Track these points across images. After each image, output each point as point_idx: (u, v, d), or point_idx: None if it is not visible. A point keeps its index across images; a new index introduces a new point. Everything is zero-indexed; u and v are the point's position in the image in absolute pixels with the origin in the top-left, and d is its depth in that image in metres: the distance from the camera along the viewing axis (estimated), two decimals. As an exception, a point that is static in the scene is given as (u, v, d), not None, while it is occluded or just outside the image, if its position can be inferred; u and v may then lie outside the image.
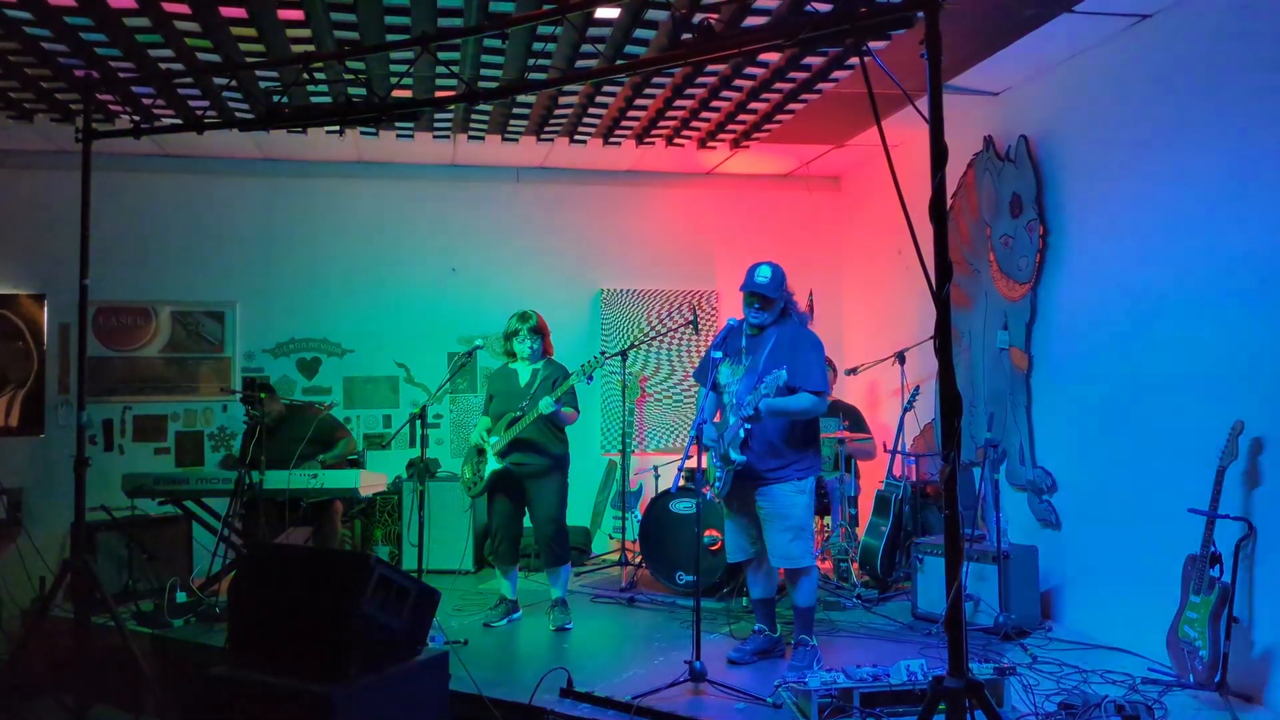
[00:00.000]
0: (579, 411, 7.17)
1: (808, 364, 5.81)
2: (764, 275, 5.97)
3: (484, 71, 7.12)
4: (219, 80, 7.30)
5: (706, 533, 7.52)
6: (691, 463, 6.04)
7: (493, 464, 7.01)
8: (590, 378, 6.88)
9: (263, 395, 7.90)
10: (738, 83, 7.57)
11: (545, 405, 6.78)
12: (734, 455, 5.76)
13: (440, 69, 6.98)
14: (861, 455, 8.89)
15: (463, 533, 8.89)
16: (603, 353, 7.27)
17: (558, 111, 8.24)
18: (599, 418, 10.30)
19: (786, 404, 5.72)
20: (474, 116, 8.43)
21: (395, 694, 4.59)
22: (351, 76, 7.05)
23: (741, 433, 5.74)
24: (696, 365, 6.08)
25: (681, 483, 7.89)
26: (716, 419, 6.15)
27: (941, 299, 3.43)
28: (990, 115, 7.88)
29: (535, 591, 7.99)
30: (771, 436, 5.88)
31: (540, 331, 7.20)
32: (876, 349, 9.38)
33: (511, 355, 7.28)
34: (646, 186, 10.59)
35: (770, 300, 5.96)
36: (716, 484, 5.99)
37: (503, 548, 7.17)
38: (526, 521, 7.24)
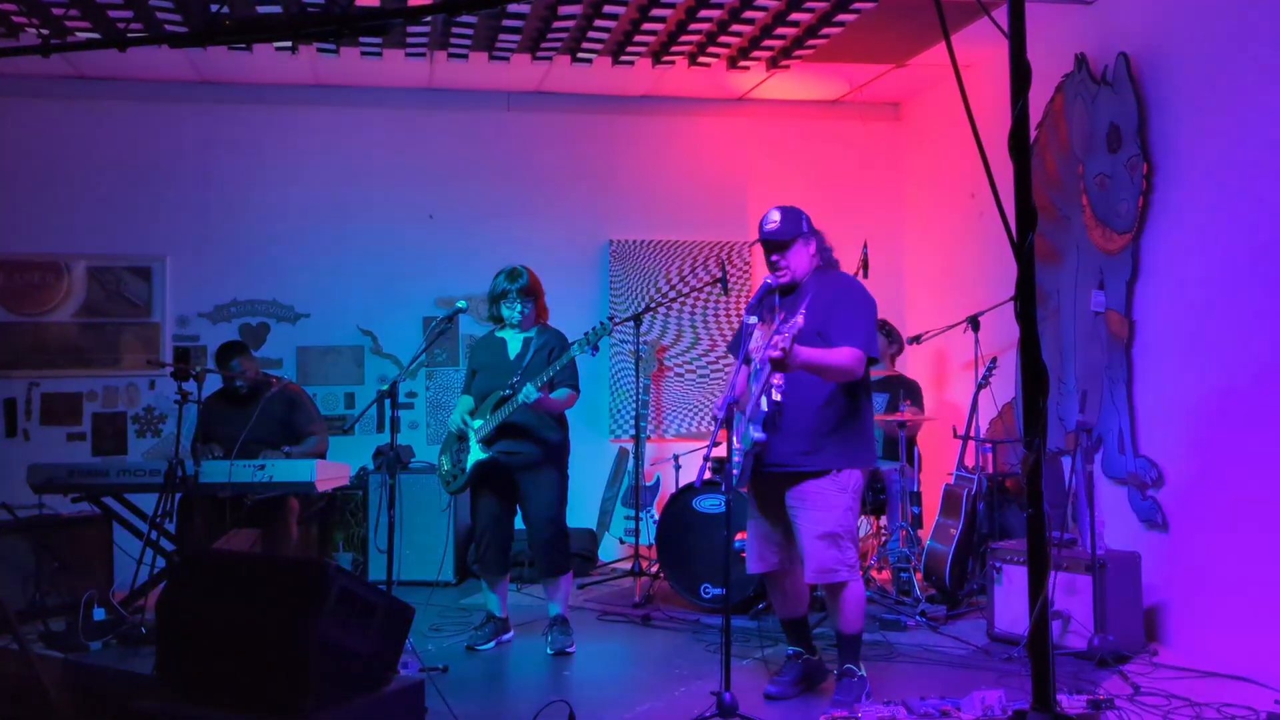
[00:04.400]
0: (579, 392, 7.17)
1: (851, 317, 5.72)
2: (772, 220, 5.90)
3: (466, -26, 7.10)
4: (144, -14, 7.29)
5: (738, 536, 7.50)
6: (720, 450, 5.96)
7: (476, 453, 7.00)
8: (595, 349, 6.84)
9: (237, 356, 7.95)
10: (776, -13, 7.54)
11: (529, 394, 6.72)
12: (753, 433, 5.66)
13: (412, -29, 6.96)
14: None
15: (442, 536, 8.91)
16: (611, 318, 7.24)
17: (557, 23, 8.21)
18: (607, 396, 10.32)
19: (822, 355, 5.57)
20: (455, 29, 8.40)
21: (359, 731, 4.60)
22: (305, -19, 7.04)
23: (765, 404, 5.65)
24: (733, 334, 5.93)
25: (708, 475, 7.89)
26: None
27: (1024, 252, 3.41)
28: (1083, 28, 7.82)
29: (530, 607, 8.01)
30: (806, 412, 5.78)
31: (533, 292, 7.16)
32: (945, 313, 9.35)
33: (499, 321, 7.25)
34: (665, 115, 10.55)
35: (786, 244, 5.88)
36: (735, 472, 5.80)
37: (489, 554, 7.17)
38: (518, 523, 7.26)
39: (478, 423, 7.02)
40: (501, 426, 6.94)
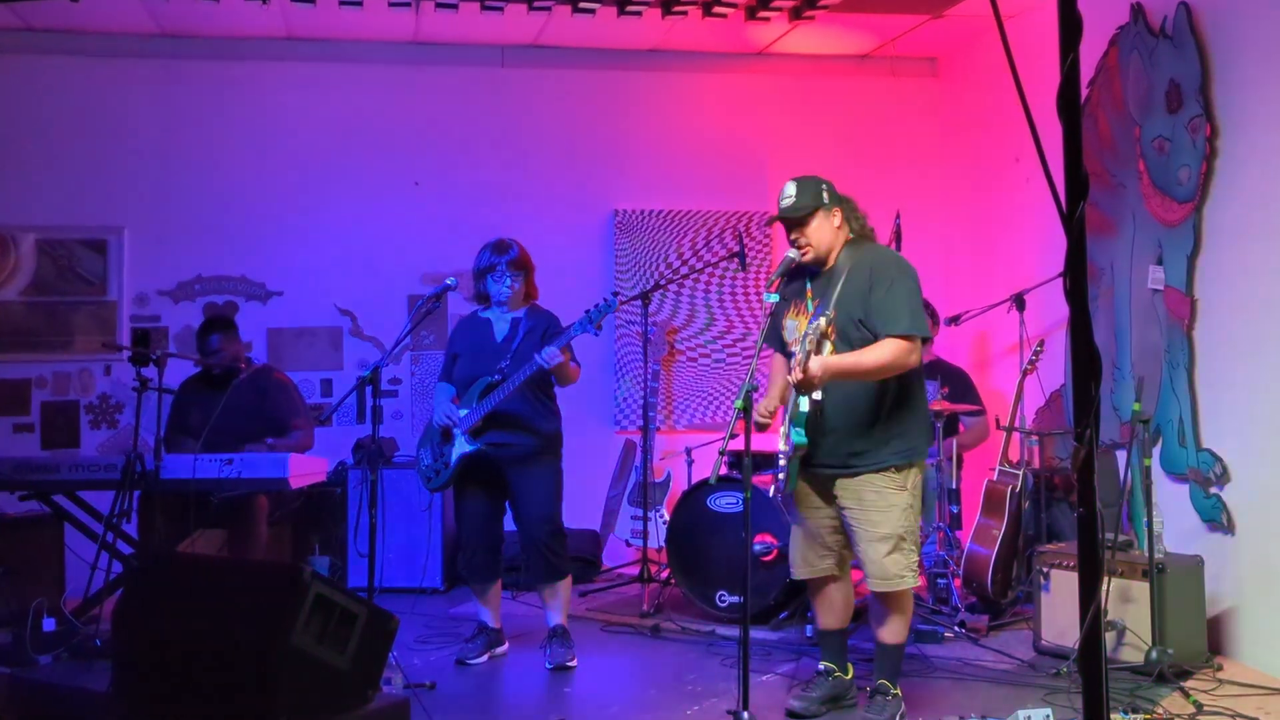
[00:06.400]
0: (580, 366, 7.14)
1: (892, 298, 5.64)
2: (788, 194, 5.83)
3: (454, -85, 7.08)
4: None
5: (757, 538, 7.52)
6: (738, 443, 5.91)
7: (462, 445, 6.96)
8: (599, 327, 6.79)
9: (216, 332, 7.94)
10: (799, -71, 7.52)
11: (550, 356, 6.64)
12: (793, 435, 5.58)
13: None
14: (975, 442, 8.84)
15: (429, 538, 8.89)
16: (616, 294, 7.19)
17: (555, -31, 8.20)
18: (612, 383, 10.33)
19: (859, 358, 5.55)
20: (442, -23, 8.40)
21: (337, 754, 4.61)
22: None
23: (805, 404, 5.59)
24: (758, 317, 5.77)
25: (724, 470, 7.87)
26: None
27: (1074, 223, 3.39)
28: (1142, -28, 7.81)
29: (526, 617, 8.03)
30: (857, 406, 5.73)
31: (523, 267, 7.12)
32: (986, 290, 9.35)
33: (483, 300, 7.23)
34: (676, 72, 10.54)
35: (805, 220, 5.80)
36: (780, 476, 5.80)
37: (478, 559, 7.15)
38: (508, 523, 7.24)
39: (463, 412, 6.98)
40: (491, 416, 6.91)
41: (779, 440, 5.74)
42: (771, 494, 6.02)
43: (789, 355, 5.86)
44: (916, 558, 5.85)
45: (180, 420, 8.06)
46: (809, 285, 5.88)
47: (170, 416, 7.99)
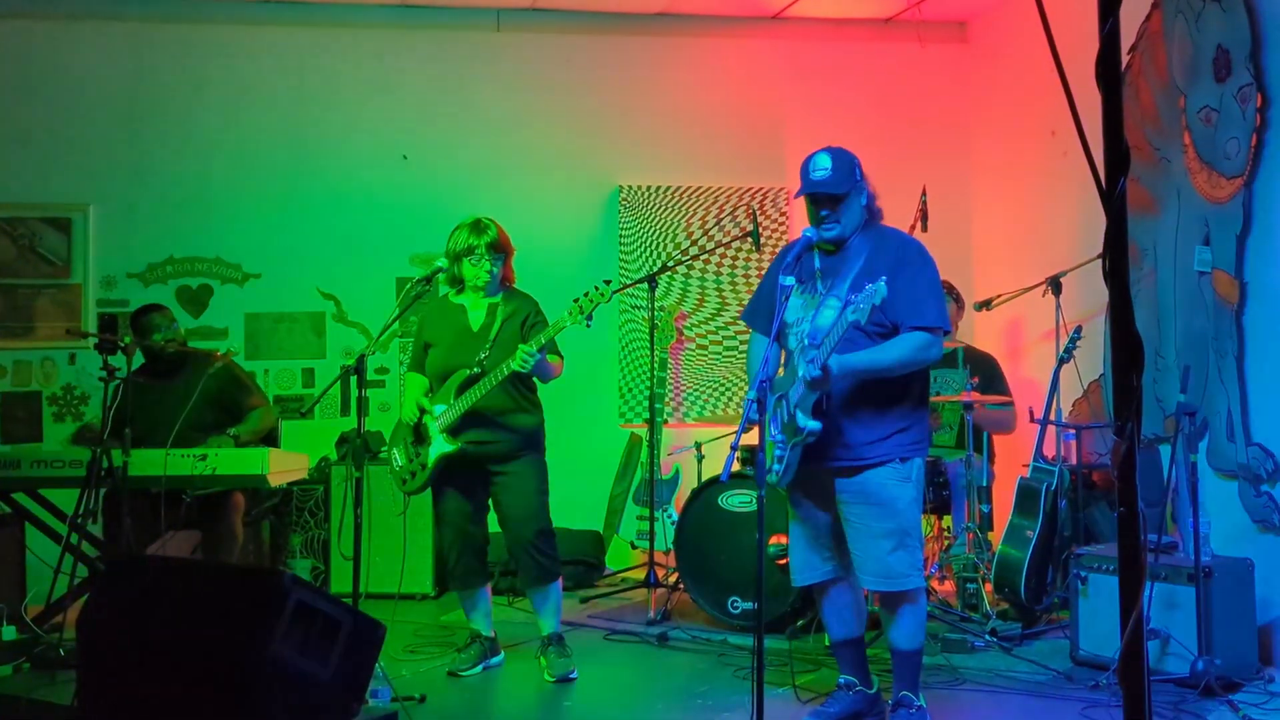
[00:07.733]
0: (564, 358, 7.09)
1: (917, 288, 5.64)
2: (822, 166, 5.75)
3: None
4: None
5: (773, 540, 7.50)
6: (751, 437, 5.89)
7: (440, 445, 6.92)
8: (589, 319, 6.72)
9: (156, 312, 7.90)
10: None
11: (522, 359, 6.58)
12: (803, 421, 5.52)
13: None
14: (995, 426, 8.84)
15: (417, 540, 8.87)
16: (608, 281, 7.06)
17: (554, -74, 8.19)
18: (616, 373, 10.33)
19: (878, 356, 5.56)
20: (432, -66, 8.39)
21: (319, 773, 4.60)
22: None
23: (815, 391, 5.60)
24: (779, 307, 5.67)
25: (736, 466, 7.86)
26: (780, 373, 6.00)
27: (1114, 200, 3.38)
28: (1189, -71, 7.78)
29: (524, 624, 8.01)
30: (864, 395, 5.70)
31: (503, 249, 7.06)
32: (1019, 273, 9.31)
33: (457, 284, 7.18)
34: (685, 37, 10.53)
35: (839, 198, 5.74)
36: (776, 467, 5.73)
37: (464, 563, 7.13)
38: (493, 525, 7.20)
39: (439, 408, 6.94)
40: (469, 413, 6.84)
41: (773, 428, 5.68)
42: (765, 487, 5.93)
43: (784, 338, 5.85)
44: (921, 555, 5.86)
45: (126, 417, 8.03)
46: (818, 265, 5.85)
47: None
